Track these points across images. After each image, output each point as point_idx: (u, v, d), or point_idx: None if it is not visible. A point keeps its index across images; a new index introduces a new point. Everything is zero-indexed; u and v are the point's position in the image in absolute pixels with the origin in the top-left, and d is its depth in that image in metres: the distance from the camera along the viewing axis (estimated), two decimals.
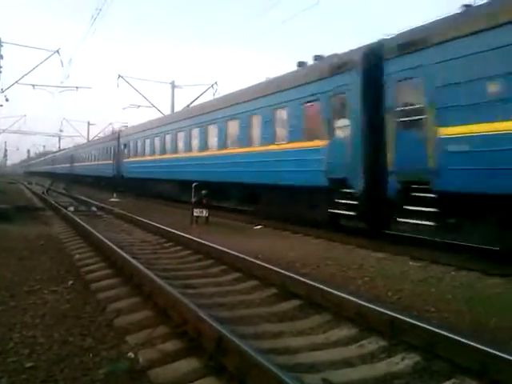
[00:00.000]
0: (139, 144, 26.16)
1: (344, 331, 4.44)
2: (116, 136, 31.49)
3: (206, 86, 29.43)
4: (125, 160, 28.43)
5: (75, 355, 3.74)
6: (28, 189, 33.47)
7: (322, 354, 3.91)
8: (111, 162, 31.08)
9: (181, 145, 20.32)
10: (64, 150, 62.12)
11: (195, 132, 18.94)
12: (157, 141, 23.32)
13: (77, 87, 34.49)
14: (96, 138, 53.45)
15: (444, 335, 3.78)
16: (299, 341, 4.20)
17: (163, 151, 22.30)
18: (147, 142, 24.75)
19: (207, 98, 26.84)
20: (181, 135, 20.36)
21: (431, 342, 3.80)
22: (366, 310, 4.55)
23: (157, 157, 23.08)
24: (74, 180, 46.83)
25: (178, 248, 9.14)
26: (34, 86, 32.96)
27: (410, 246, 9.08)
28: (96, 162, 36.85)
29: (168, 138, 21.80)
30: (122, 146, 29.20)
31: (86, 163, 41.44)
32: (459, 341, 3.65)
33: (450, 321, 4.84)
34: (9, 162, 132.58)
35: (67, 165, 52.12)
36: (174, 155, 20.75)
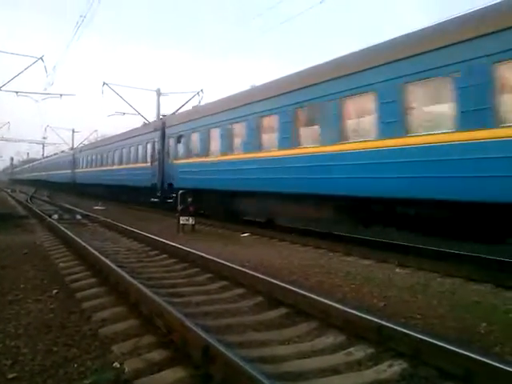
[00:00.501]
0: (214, 134, 15.51)
1: (331, 339, 4.44)
2: (158, 126, 21.04)
3: (191, 94, 29.21)
4: (177, 162, 18.51)
5: (59, 366, 3.68)
6: (11, 197, 33.04)
7: (310, 361, 3.90)
8: (148, 165, 21.67)
9: (327, 128, 10.66)
10: (62, 152, 50.18)
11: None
12: (266, 125, 12.73)
13: (61, 94, 34.00)
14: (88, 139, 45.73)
15: (430, 342, 3.80)
16: (286, 349, 4.19)
17: (291, 142, 11.68)
18: (237, 128, 14.11)
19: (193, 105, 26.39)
20: (325, 109, 10.68)
21: (418, 348, 3.83)
22: (352, 318, 4.55)
23: (260, 154, 12.78)
24: (78, 191, 37.86)
25: (164, 256, 9.08)
26: (17, 92, 32.46)
27: (396, 253, 9.15)
28: (117, 167, 26.98)
29: (286, 118, 11.84)
30: (172, 141, 19.21)
31: (99, 168, 31.46)
32: (444, 347, 3.68)
33: (435, 327, 4.86)
34: None
35: (66, 171, 42.07)
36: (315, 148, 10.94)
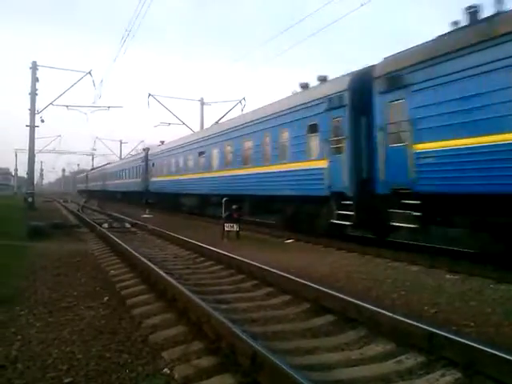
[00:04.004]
0: None
1: (380, 347, 4.35)
2: (339, 87, 11.59)
3: (233, 103, 29.27)
4: (421, 146, 9.15)
5: (112, 371, 3.79)
6: (64, 207, 34.35)
7: (359, 370, 3.84)
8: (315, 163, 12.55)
9: None
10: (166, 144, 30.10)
11: None
12: None
13: (108, 107, 35.04)
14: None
15: (485, 350, 3.66)
16: (335, 356, 4.14)
17: None
18: None
19: (236, 114, 26.05)
20: None
21: (472, 357, 3.69)
22: (402, 325, 4.45)
23: None
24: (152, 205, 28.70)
25: (210, 263, 9.18)
26: (67, 106, 33.85)
27: (446, 259, 8.88)
28: (237, 171, 17.31)
29: None
30: (406, 106, 9.52)
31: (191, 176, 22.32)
32: (501, 356, 3.53)
33: (490, 335, 4.68)
34: (45, 181, 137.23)
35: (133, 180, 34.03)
36: None
